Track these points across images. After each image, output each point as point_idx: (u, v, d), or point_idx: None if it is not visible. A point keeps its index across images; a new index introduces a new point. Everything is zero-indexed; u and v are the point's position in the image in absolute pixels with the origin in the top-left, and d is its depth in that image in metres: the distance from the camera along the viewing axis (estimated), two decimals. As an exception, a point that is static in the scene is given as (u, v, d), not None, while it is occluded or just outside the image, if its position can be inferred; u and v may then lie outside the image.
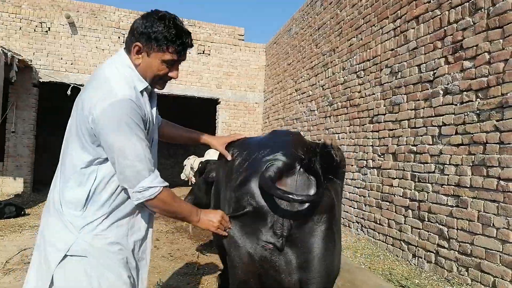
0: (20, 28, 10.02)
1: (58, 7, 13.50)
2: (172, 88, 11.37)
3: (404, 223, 4.85)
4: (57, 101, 12.77)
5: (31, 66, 9.82)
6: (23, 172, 10.04)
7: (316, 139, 7.67)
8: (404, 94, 4.99)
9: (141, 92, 1.56)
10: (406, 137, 4.90)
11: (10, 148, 9.97)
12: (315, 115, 7.85)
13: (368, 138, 5.77)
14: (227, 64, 11.95)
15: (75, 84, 10.31)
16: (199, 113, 15.34)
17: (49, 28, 10.26)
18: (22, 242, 5.71)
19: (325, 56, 7.55)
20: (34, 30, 10.13)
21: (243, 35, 14.80)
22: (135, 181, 1.45)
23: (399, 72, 5.13)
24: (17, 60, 8.63)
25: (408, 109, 4.91)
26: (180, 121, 2.32)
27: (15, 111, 9.86)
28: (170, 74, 1.60)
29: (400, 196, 4.96)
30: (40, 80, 10.19)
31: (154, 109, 1.70)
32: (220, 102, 11.95)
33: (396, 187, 5.05)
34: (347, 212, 6.28)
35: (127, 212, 1.59)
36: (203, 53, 11.73)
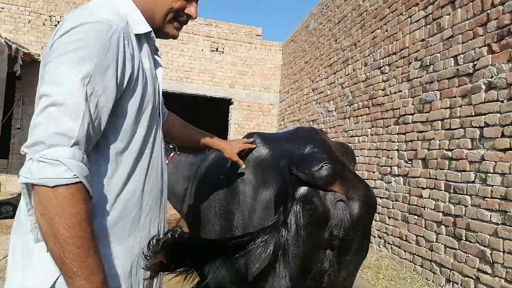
0: (29, 22, 9.76)
1: (74, 4, 13.31)
2: (182, 86, 10.92)
3: (436, 241, 4.16)
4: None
5: (38, 60, 9.52)
6: (28, 170, 9.72)
7: (333, 142, 7.03)
8: (437, 91, 4.32)
9: (138, 37, 1.08)
10: (439, 140, 4.22)
11: (15, 145, 9.68)
12: (333, 116, 7.21)
13: (393, 142, 5.10)
14: (241, 62, 11.43)
15: (83, 80, 9.96)
16: (208, 114, 14.87)
17: (58, 21, 9.95)
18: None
19: (345, 51, 6.92)
20: (43, 24, 9.85)
21: (260, 35, 14.27)
22: (42, 137, 0.83)
23: (431, 66, 4.46)
24: (22, 53, 8.31)
25: (441, 108, 4.23)
26: (189, 122, 1.76)
27: (21, 107, 9.57)
28: (187, 11, 1.17)
29: (431, 209, 4.27)
30: (48, 75, 9.87)
31: (159, 70, 1.21)
32: (233, 102, 11.42)
33: (426, 198, 4.36)
34: (366, 224, 5.60)
35: None
36: (217, 50, 11.25)
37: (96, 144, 0.95)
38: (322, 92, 7.87)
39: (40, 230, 0.84)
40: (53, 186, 0.80)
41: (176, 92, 11.01)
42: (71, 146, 0.84)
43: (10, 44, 7.80)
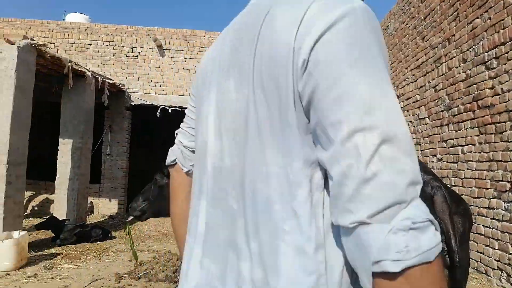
0: (114, 55, 10.46)
1: (153, 34, 14.16)
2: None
3: None
4: (147, 124, 13.23)
5: (124, 90, 10.11)
6: (117, 194, 10.26)
7: (429, 154, 6.13)
8: None
9: None
10: None
11: (105, 170, 10.30)
12: (426, 124, 6.33)
13: (511, 151, 4.17)
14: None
15: (163, 105, 10.34)
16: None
17: (139, 52, 10.53)
18: (98, 270, 5.37)
19: (436, 49, 6.06)
20: (126, 56, 10.49)
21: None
22: (395, 194, 0.52)
23: (561, 53, 3.54)
24: (108, 84, 8.85)
25: None
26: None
27: (110, 134, 10.19)
28: None
29: None
30: (132, 103, 10.45)
31: None
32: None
33: None
34: (482, 253, 4.64)
35: None
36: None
37: None
38: (410, 98, 7.02)
39: None
40: (433, 259, 0.50)
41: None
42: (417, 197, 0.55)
43: (97, 76, 8.35)
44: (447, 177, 5.47)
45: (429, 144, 6.15)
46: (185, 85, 10.59)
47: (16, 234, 5.38)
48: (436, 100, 5.98)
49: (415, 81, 6.80)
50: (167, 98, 10.54)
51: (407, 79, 7.17)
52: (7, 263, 5.09)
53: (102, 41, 10.44)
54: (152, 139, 14.22)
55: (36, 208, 10.20)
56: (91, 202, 10.08)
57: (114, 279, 4.99)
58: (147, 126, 13.63)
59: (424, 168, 1.72)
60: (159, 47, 10.49)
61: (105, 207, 10.22)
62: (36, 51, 6.10)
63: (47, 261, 5.71)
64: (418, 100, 6.67)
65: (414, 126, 6.76)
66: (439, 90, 5.91)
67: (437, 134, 5.91)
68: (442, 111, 5.77)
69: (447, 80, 5.65)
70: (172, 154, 1.13)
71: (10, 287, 4.54)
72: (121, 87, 9.87)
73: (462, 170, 5.10)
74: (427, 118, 6.28)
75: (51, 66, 7.07)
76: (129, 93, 10.38)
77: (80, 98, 7.88)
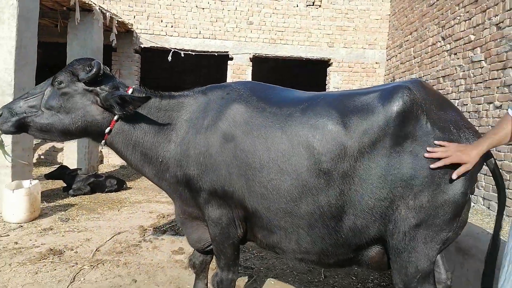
0: (120, -10, 9.45)
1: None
2: (276, 48, 9.90)
3: None
4: (158, 70, 12.39)
5: (132, 30, 9.22)
6: (128, 143, 9.71)
7: (483, 101, 5.48)
8: None
9: None
10: None
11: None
12: (481, 67, 5.60)
13: None
14: (341, 16, 9.98)
15: (175, 49, 9.51)
16: (304, 77, 13.68)
17: (149, -12, 9.51)
18: (118, 223, 4.94)
19: (502, -21, 5.20)
20: (134, -9, 9.48)
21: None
22: None
23: None
24: (116, 22, 7.99)
25: None
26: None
27: (118, 79, 9.44)
28: None
29: None
30: (141, 45, 9.60)
31: None
32: (331, 63, 10.12)
33: None
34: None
35: None
36: (313, 4, 9.93)
37: None
38: (460, 39, 6.22)
39: None
40: None
41: (270, 56, 10.05)
42: None
43: (105, 12, 7.48)
44: (508, 127, 4.86)
45: (483, 90, 5.47)
46: (199, 26, 9.67)
47: (26, 183, 4.87)
48: (498, 40, 5.22)
49: (469, 18, 5.98)
50: (179, 41, 9.68)
51: (458, 18, 6.33)
52: (20, 214, 4.62)
53: (106, -27, 9.39)
54: (159, 87, 13.48)
55: (42, 157, 9.70)
56: (100, 151, 9.56)
57: (139, 232, 4.55)
58: (158, 71, 12.83)
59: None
60: (170, -19, 9.46)
61: (115, 156, 9.69)
62: (38, -25, 5.24)
63: (62, 212, 5.26)
64: (472, 41, 5.89)
65: (465, 71, 6.03)
66: (503, 28, 5.13)
67: (497, 79, 5.21)
68: (506, 51, 5.03)
69: (516, 15, 4.87)
70: None
71: (25, 240, 4.09)
72: (130, 27, 8.98)
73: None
74: (483, 61, 5.55)
75: (55, -3, 6.22)
76: (138, 34, 9.49)
77: (88, 35, 7.08)
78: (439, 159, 1.78)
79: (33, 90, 2.34)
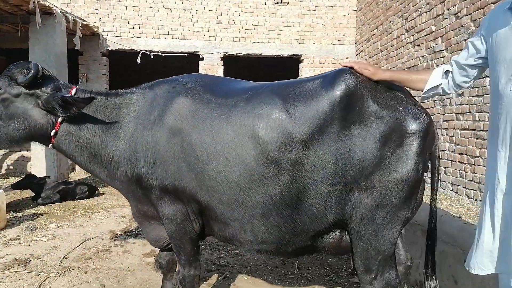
0: (84, -8, 9.23)
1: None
2: (247, 47, 9.90)
3: None
4: (127, 73, 12.16)
5: (98, 33, 9.03)
6: (99, 148, 9.50)
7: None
8: None
9: None
10: None
11: (85, 124, 9.44)
12: (443, 57, 5.76)
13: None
14: (309, 13, 10.08)
15: (144, 50, 9.36)
16: (277, 75, 13.76)
17: (114, -11, 9.33)
18: (88, 229, 4.81)
19: (458, -30, 5.36)
20: (98, -7, 9.28)
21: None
22: None
23: None
24: (80, 25, 7.80)
25: None
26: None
27: (86, 84, 9.23)
28: None
29: None
30: (108, 48, 9.41)
31: None
32: (302, 60, 10.20)
33: None
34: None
35: None
36: (281, 2, 9.98)
37: None
38: (422, 30, 6.38)
39: None
40: None
41: (241, 54, 10.04)
42: None
43: (67, 15, 7.28)
44: (469, 112, 5.02)
45: (446, 80, 5.63)
46: (167, 26, 9.56)
47: (-10, 193, 4.69)
48: (457, 29, 5.38)
49: (430, 10, 6.14)
50: (148, 42, 9.54)
51: (419, 9, 6.49)
52: (-17, 225, 4.45)
53: (69, -25, 9.15)
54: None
55: (11, 167, 9.37)
56: (72, 158, 9.31)
57: (109, 237, 4.45)
58: (127, 74, 12.60)
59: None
60: (136, -18, 9.31)
61: (87, 163, 9.48)
62: (-9, -23, 5.05)
63: (30, 221, 5.09)
64: (433, 32, 6.05)
65: (427, 61, 6.19)
66: (461, 18, 5.29)
67: (457, 67, 5.37)
68: (465, 40, 5.19)
69: (472, 4, 5.02)
70: (437, 80, 1.83)
71: (-11, 251, 3.94)
72: (95, 29, 8.78)
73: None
74: (445, 51, 5.71)
75: (13, 0, 6.00)
76: (104, 37, 9.30)
77: (50, 39, 6.87)
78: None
79: None
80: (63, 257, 3.80)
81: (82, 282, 3.28)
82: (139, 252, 3.98)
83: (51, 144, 2.25)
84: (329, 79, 1.92)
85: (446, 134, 5.58)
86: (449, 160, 5.51)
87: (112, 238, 4.43)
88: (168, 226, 2.23)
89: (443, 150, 5.59)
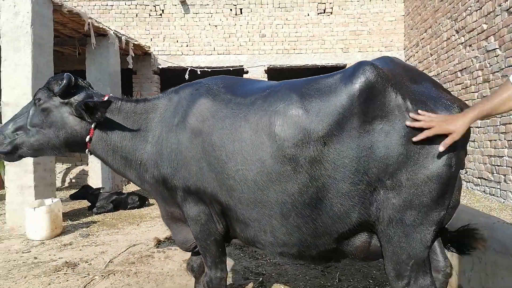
0: (136, 15, 9.88)
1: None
2: (290, 59, 9.94)
3: None
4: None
5: (149, 52, 9.58)
6: (151, 162, 9.95)
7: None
8: None
9: None
10: None
11: (138, 138, 9.97)
12: (496, 56, 5.36)
13: None
14: (354, 21, 9.92)
15: (191, 67, 9.76)
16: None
17: (162, 10, 9.89)
18: (135, 236, 5.02)
19: (511, -37, 5.01)
20: (149, 15, 9.88)
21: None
22: None
23: None
24: (132, 45, 8.33)
25: None
26: None
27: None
28: None
29: None
30: (159, 66, 9.93)
31: None
32: (348, 68, 10.00)
33: None
34: None
35: None
36: (324, 12, 9.94)
37: None
38: (473, 30, 6.01)
39: None
40: None
41: (284, 66, 10.10)
42: None
43: (120, 36, 7.82)
44: (529, 114, 4.60)
45: (501, 80, 5.22)
46: (213, 43, 9.90)
47: (48, 201, 5.08)
48: (511, 25, 4.99)
49: (480, 8, 5.77)
50: (195, 59, 9.93)
51: (469, 9, 6.13)
52: (41, 231, 4.81)
53: (123, 0, 9.85)
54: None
55: (73, 181, 10.10)
56: (126, 171, 9.84)
57: (153, 244, 4.60)
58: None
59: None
60: (183, 2, 9.79)
61: (140, 175, 9.96)
62: (52, 4, 5.58)
63: (83, 229, 5.43)
64: (485, 30, 5.67)
65: (480, 61, 5.79)
66: (515, 12, 4.91)
67: (513, 66, 4.97)
68: (521, 36, 4.80)
69: (528, -3, 4.65)
70: None
71: (45, 255, 4.24)
72: (147, 49, 9.33)
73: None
74: (498, 49, 5.31)
75: (70, 24, 6.58)
76: (155, 56, 9.84)
77: (104, 59, 7.41)
78: (421, 131, 1.65)
79: (20, 111, 2.47)
80: (109, 261, 3.99)
81: (123, 285, 3.41)
82: (180, 258, 4.06)
83: (87, 150, 2.40)
84: (348, 73, 1.85)
85: (505, 139, 5.14)
86: (508, 166, 5.06)
87: (156, 244, 4.58)
88: (193, 227, 2.26)
89: (501, 156, 5.14)
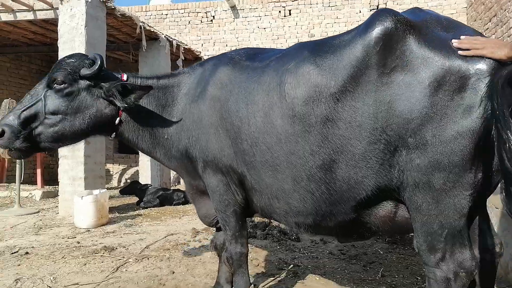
0: (189, 22, 10.23)
1: None
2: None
3: None
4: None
5: (200, 56, 9.83)
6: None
7: None
8: None
9: None
10: None
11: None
12: None
13: None
14: (410, 17, 9.36)
15: (240, 70, 9.85)
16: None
17: (213, 16, 10.14)
18: (175, 227, 5.03)
19: None
20: (201, 21, 10.18)
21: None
22: None
23: None
24: (182, 48, 8.59)
25: None
26: None
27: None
28: None
29: None
30: (209, 70, 10.14)
31: None
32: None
33: None
34: None
35: None
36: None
37: None
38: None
39: None
40: None
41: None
42: None
43: (171, 40, 8.11)
44: None
45: None
46: (261, 45, 9.90)
47: (96, 192, 5.29)
48: None
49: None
50: (244, 62, 10.00)
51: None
52: (88, 220, 4.98)
53: (177, 9, 10.27)
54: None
55: (128, 181, 10.55)
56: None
57: (191, 234, 4.56)
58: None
59: None
60: (233, 7, 9.96)
61: (190, 177, 10.15)
62: (105, 7, 5.92)
63: (128, 220, 5.56)
64: (561, 7, 4.99)
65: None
66: None
67: None
68: None
69: None
70: None
71: (87, 241, 4.37)
72: (197, 54, 9.59)
73: None
74: None
75: (124, 28, 6.94)
76: (206, 60, 10.08)
77: (155, 61, 7.71)
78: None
79: (27, 99, 2.15)
80: (145, 247, 4.00)
81: (155, 267, 3.37)
82: (214, 247, 3.96)
83: (114, 134, 2.29)
84: (365, 23, 1.65)
85: None
86: None
87: (194, 234, 4.53)
88: (213, 198, 2.21)
89: None
